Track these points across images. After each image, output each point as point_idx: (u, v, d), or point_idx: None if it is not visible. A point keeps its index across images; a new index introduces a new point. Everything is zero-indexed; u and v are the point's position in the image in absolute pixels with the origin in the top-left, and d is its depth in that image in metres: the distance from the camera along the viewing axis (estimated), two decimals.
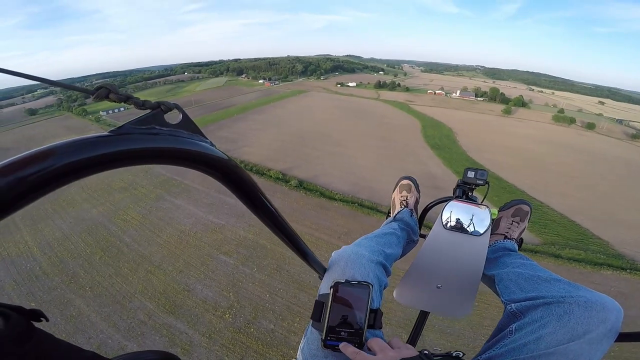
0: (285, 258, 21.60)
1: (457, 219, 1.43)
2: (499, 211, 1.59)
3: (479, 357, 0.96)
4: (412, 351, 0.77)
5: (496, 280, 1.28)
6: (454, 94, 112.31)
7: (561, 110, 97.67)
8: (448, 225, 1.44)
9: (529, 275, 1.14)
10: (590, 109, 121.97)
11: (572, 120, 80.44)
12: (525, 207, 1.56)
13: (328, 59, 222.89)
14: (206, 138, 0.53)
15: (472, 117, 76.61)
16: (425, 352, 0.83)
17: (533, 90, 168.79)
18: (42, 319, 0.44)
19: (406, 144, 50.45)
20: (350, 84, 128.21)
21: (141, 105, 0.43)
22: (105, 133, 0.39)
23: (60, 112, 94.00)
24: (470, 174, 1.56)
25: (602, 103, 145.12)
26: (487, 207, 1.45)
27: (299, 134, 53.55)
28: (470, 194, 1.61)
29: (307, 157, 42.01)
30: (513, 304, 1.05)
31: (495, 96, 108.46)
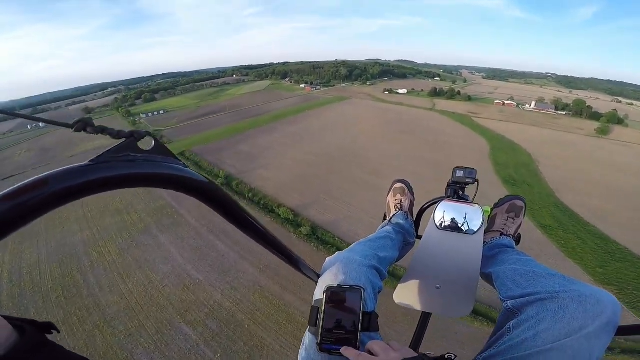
0: (263, 347, 16.85)
1: (451, 219, 1.44)
2: (493, 208, 1.61)
3: (479, 356, 0.96)
4: (412, 352, 0.80)
5: (494, 277, 1.27)
6: (528, 106, 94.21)
7: None
8: (442, 225, 1.44)
9: (525, 271, 1.14)
10: None
11: None
12: (519, 203, 1.57)
13: (377, 63, 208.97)
14: (179, 161, 0.58)
15: (556, 137, 60.52)
16: (424, 354, 0.87)
17: (621, 102, 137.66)
18: (53, 331, 0.50)
19: None
20: (400, 91, 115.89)
21: (115, 135, 0.47)
22: (87, 162, 0.45)
23: (111, 112, 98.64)
24: (459, 173, 1.57)
25: None
26: (479, 205, 1.46)
27: (328, 153, 45.19)
28: (461, 193, 1.60)
29: (332, 188, 33.59)
30: (509, 301, 1.05)
31: (581, 110, 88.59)
